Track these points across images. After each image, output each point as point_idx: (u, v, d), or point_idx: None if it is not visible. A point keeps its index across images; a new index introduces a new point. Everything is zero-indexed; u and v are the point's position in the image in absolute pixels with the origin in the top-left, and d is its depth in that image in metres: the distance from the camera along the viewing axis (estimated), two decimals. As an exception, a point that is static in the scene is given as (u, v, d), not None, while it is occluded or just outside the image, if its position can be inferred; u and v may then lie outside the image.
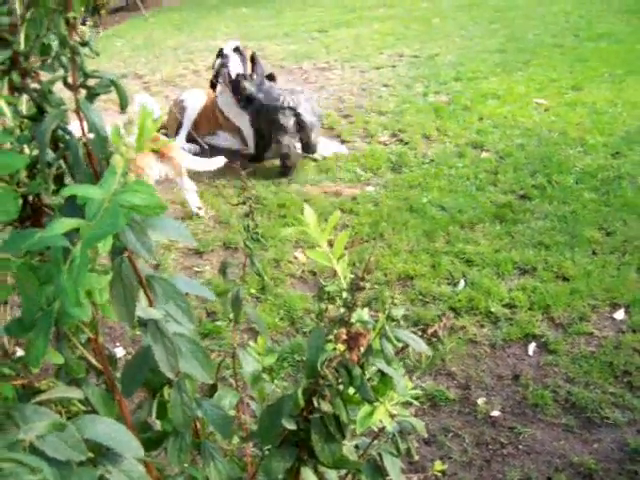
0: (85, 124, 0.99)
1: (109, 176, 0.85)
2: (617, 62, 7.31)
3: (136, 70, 8.70)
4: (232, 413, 1.62)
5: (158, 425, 1.45)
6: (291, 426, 1.24)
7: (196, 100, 5.83)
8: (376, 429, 1.43)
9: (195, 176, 5.19)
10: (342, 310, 1.16)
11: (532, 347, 3.13)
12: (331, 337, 1.16)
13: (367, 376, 1.21)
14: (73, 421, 1.02)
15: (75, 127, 1.05)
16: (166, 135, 5.74)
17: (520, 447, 2.62)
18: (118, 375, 1.31)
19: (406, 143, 5.52)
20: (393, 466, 1.41)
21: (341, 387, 1.21)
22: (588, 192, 4.45)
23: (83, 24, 1.04)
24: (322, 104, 6.66)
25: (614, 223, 4.04)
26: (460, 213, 4.26)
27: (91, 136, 0.98)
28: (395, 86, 7.18)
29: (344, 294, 1.17)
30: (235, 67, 5.47)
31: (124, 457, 1.08)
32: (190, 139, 5.73)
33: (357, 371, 1.15)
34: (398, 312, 1.18)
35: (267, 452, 1.40)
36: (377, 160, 5.17)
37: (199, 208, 4.57)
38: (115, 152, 0.86)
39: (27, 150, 1.10)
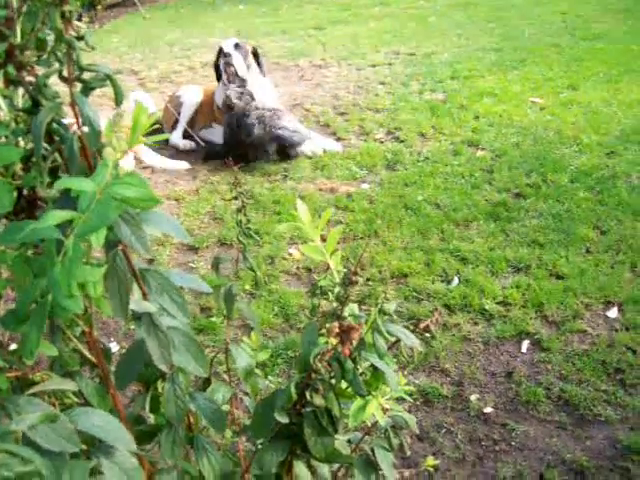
0: (80, 117, 0.99)
1: (101, 169, 0.86)
2: (613, 62, 7.32)
3: (132, 66, 8.69)
4: (225, 408, 1.63)
5: (152, 418, 1.46)
6: (284, 420, 1.25)
7: (193, 96, 5.84)
8: (369, 424, 1.44)
9: (191, 172, 5.20)
10: (335, 304, 1.17)
11: (525, 344, 3.14)
12: (324, 331, 1.17)
13: (359, 370, 1.22)
14: (66, 413, 1.03)
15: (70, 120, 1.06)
16: (162, 131, 5.73)
17: (513, 444, 2.63)
18: (112, 368, 1.32)
19: (402, 141, 5.52)
20: (385, 461, 1.42)
21: (333, 381, 1.22)
22: (583, 191, 4.46)
23: (79, 20, 1.04)
24: (318, 101, 6.68)
25: (608, 222, 4.05)
26: (455, 211, 4.27)
27: (85, 129, 0.98)
28: (391, 84, 7.18)
29: (337, 289, 1.18)
30: (240, 65, 5.47)
31: (117, 449, 1.08)
32: (186, 135, 5.74)
33: (349, 365, 1.16)
34: (390, 307, 1.19)
35: (260, 446, 1.41)
36: (372, 158, 5.18)
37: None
38: (107, 144, 0.86)
39: (22, 143, 1.10)
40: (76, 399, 1.24)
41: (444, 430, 2.70)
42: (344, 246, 3.87)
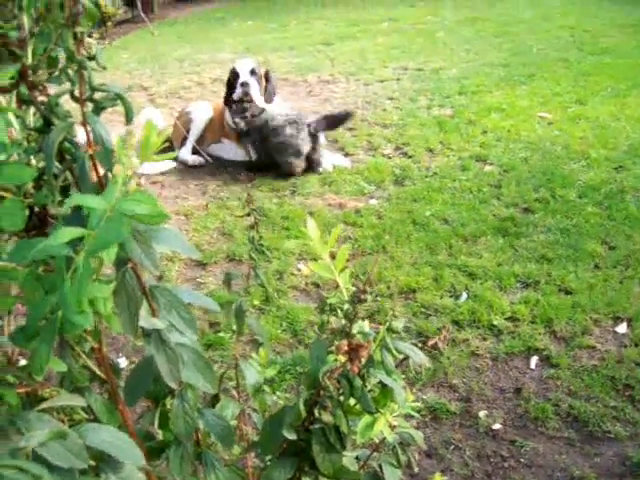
0: (91, 136, 1.00)
1: (111, 186, 0.87)
2: (621, 76, 7.34)
3: (142, 82, 8.74)
4: (234, 424, 1.63)
5: (160, 434, 1.46)
6: (292, 436, 1.26)
7: (203, 113, 5.87)
8: (377, 440, 1.44)
9: (200, 188, 5.23)
10: (343, 322, 1.18)
11: (534, 360, 3.14)
12: (332, 348, 1.17)
13: (368, 387, 1.22)
14: (75, 429, 1.04)
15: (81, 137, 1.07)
16: (171, 147, 5.76)
17: (521, 460, 2.62)
18: (121, 384, 1.33)
19: (410, 156, 5.54)
20: (393, 478, 1.42)
21: (342, 398, 1.22)
22: (591, 206, 4.46)
23: (89, 36, 1.06)
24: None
25: (617, 237, 4.04)
26: (463, 226, 4.27)
27: (97, 148, 1.00)
28: (399, 99, 7.20)
29: (346, 306, 1.19)
30: (256, 93, 5.52)
31: (126, 465, 1.09)
32: (195, 151, 5.76)
33: (358, 382, 1.16)
34: (399, 324, 1.19)
35: (268, 462, 1.41)
36: (381, 173, 5.19)
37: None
38: (118, 162, 0.87)
39: (34, 161, 1.11)
40: (85, 415, 1.25)
41: (452, 447, 2.70)
42: (353, 262, 3.87)
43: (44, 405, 1.06)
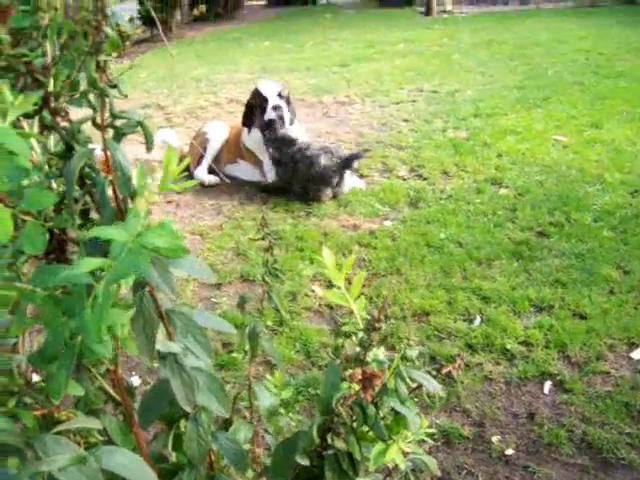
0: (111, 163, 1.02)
1: (133, 218, 0.88)
2: (636, 100, 7.33)
3: (159, 101, 8.81)
4: (247, 447, 1.64)
5: (173, 457, 1.47)
6: (305, 462, 1.26)
7: (219, 133, 5.91)
8: (389, 466, 1.44)
9: (215, 208, 5.25)
10: (358, 349, 1.18)
11: (548, 385, 3.12)
12: (346, 375, 1.18)
13: (381, 415, 1.23)
14: (91, 452, 1.05)
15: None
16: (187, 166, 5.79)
17: (534, 487, 2.61)
18: (135, 406, 1.33)
19: (425, 178, 5.55)
20: (406, 504, 1.42)
21: (355, 425, 1.23)
22: (606, 230, 4.44)
23: (108, 55, 1.07)
24: (342, 138, 6.72)
25: (632, 262, 4.03)
26: (477, 249, 4.27)
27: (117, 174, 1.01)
28: (414, 121, 7.23)
29: (360, 333, 1.19)
30: (287, 116, 5.56)
31: (140, 489, 1.09)
32: (211, 171, 5.80)
33: (371, 410, 1.16)
34: (413, 353, 1.20)
35: (281, 487, 1.42)
36: (395, 195, 5.20)
37: None
38: (139, 195, 0.88)
39: (54, 185, 1.13)
40: (100, 437, 1.26)
41: (465, 472, 2.68)
42: (367, 283, 3.87)
43: (61, 427, 1.07)
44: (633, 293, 3.73)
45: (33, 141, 1.07)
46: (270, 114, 5.48)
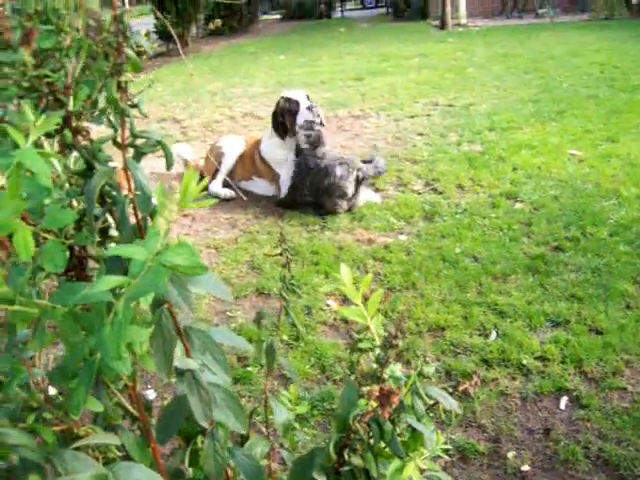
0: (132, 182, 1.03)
1: (152, 237, 0.89)
2: (652, 114, 7.32)
3: (175, 115, 8.87)
4: (263, 462, 1.64)
5: (190, 472, 1.48)
6: (322, 479, 1.26)
7: (234, 147, 5.94)
8: (406, 483, 1.44)
9: (230, 221, 5.27)
10: (375, 366, 1.19)
11: (564, 401, 3.11)
12: (364, 392, 1.18)
13: (397, 431, 1.23)
14: (109, 467, 1.06)
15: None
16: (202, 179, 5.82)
17: (550, 503, 2.59)
18: (152, 421, 1.34)
19: (440, 192, 5.55)
20: (422, 521, 1.42)
21: (372, 441, 1.23)
22: (622, 245, 4.43)
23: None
24: (356, 152, 6.73)
25: (648, 277, 4.01)
26: (493, 264, 4.26)
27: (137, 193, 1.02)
28: (429, 135, 7.24)
29: (377, 351, 1.20)
30: (322, 115, 5.62)
31: (157, 504, 1.10)
32: (225, 184, 5.82)
33: (388, 427, 1.17)
34: (429, 369, 1.20)
35: (297, 503, 1.42)
36: (410, 209, 5.21)
37: None
38: (159, 213, 0.90)
39: (74, 203, 1.14)
40: (118, 452, 1.27)
41: (481, 488, 2.67)
42: (381, 299, 3.87)
43: (80, 443, 1.08)
44: (650, 308, 3.71)
45: (54, 160, 1.09)
46: (307, 115, 5.50)
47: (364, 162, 5.51)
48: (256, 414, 2.16)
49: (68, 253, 1.11)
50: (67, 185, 1.11)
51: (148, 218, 1.07)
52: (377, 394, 1.13)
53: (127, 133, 1.03)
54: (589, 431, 2.90)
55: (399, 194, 5.58)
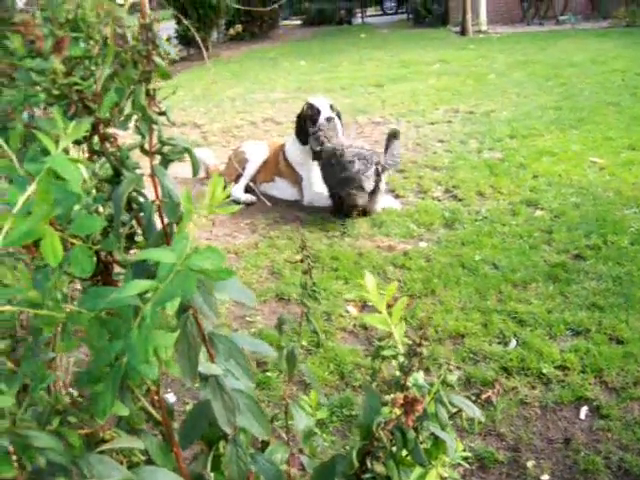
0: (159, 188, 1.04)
1: (181, 241, 0.90)
2: (674, 122, 7.27)
3: (195, 120, 8.91)
4: (283, 467, 1.64)
5: (212, 477, 1.48)
6: (344, 486, 1.26)
7: (258, 153, 5.98)
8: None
9: (250, 226, 5.29)
10: (398, 373, 1.19)
11: (584, 411, 3.09)
12: (387, 399, 1.18)
13: (420, 439, 1.23)
14: (134, 471, 1.07)
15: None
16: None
17: (570, 513, 2.58)
18: (174, 425, 1.35)
19: (460, 199, 5.54)
20: (443, 529, 1.42)
21: (394, 449, 1.23)
22: (644, 253, 4.40)
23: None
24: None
25: (670, 286, 3.98)
26: (513, 272, 4.25)
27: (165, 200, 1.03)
28: (450, 142, 7.23)
29: (401, 358, 1.20)
30: (340, 128, 5.64)
31: (180, 509, 1.11)
32: (247, 190, 5.85)
33: (411, 434, 1.17)
34: (453, 377, 1.20)
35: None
36: (430, 216, 5.20)
37: None
38: (186, 219, 0.90)
39: (101, 208, 1.16)
40: (142, 457, 1.28)
41: (500, 496, 2.66)
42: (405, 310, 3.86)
43: (105, 447, 1.09)
44: (671, 318, 3.68)
45: (82, 166, 1.10)
46: (323, 124, 5.53)
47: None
48: (276, 419, 2.16)
49: (95, 258, 1.12)
50: (94, 191, 1.12)
51: (173, 224, 1.08)
52: (401, 402, 1.13)
53: (154, 140, 1.04)
54: (609, 441, 2.88)
55: (419, 201, 5.58)
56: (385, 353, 1.23)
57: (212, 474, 1.46)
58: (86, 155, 1.14)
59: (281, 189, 5.87)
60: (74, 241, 1.04)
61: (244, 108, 9.60)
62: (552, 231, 4.81)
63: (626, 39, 13.93)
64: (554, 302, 3.88)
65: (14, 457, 0.99)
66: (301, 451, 1.87)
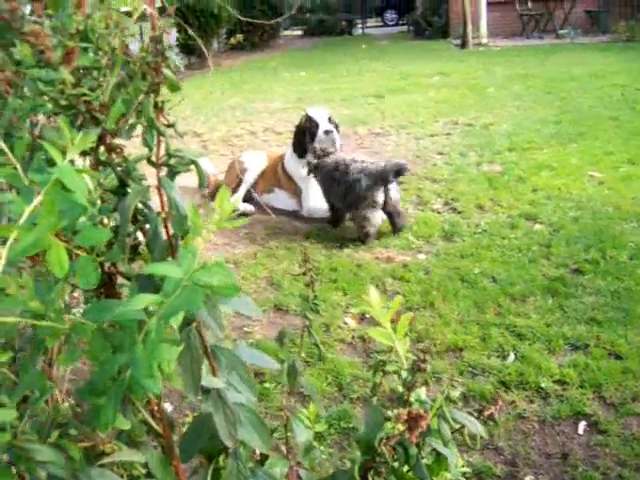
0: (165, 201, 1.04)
1: (188, 256, 0.90)
2: (673, 137, 7.29)
3: (195, 128, 8.92)
4: (282, 481, 1.64)
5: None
6: (344, 501, 1.26)
7: (257, 163, 5.98)
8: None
9: (249, 236, 5.28)
10: (401, 389, 1.18)
11: (582, 426, 3.08)
12: (390, 415, 1.18)
13: (422, 455, 1.22)
14: (134, 485, 1.06)
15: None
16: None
17: (568, 529, 2.57)
18: (174, 438, 1.34)
19: (459, 212, 5.54)
20: None
21: (396, 464, 1.22)
22: (642, 269, 4.40)
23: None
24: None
25: (669, 301, 3.98)
26: (511, 285, 4.24)
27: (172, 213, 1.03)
28: (449, 154, 7.24)
29: (404, 374, 1.19)
30: (338, 141, 5.63)
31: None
32: (246, 199, 5.85)
33: (413, 450, 1.16)
34: (455, 393, 1.20)
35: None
36: (430, 228, 5.20)
37: None
38: (195, 233, 0.90)
39: (105, 220, 1.15)
40: (142, 470, 1.27)
41: (498, 511, 2.65)
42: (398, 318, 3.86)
43: (106, 460, 1.08)
44: (670, 333, 3.68)
45: (87, 177, 1.10)
46: (321, 137, 5.52)
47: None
48: (275, 432, 2.15)
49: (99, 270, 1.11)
50: (99, 202, 1.12)
51: (179, 236, 1.07)
52: (405, 418, 1.13)
53: (161, 152, 1.04)
54: (607, 457, 2.87)
55: (418, 213, 5.58)
56: (388, 368, 1.23)
57: (212, 487, 1.46)
58: (89, 164, 1.13)
59: (280, 200, 5.87)
60: (79, 252, 1.03)
61: (244, 117, 9.61)
62: (551, 245, 4.81)
63: (626, 54, 13.98)
64: (553, 316, 3.87)
65: (14, 470, 0.98)
66: (299, 464, 1.85)
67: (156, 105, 0.99)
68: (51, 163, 0.98)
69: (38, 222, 0.92)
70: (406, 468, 1.27)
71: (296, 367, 1.59)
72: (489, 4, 19.27)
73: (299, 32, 27.86)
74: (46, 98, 1.03)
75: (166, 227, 1.06)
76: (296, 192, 5.75)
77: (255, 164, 5.98)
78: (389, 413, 1.18)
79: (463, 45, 17.76)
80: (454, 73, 12.62)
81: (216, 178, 6.23)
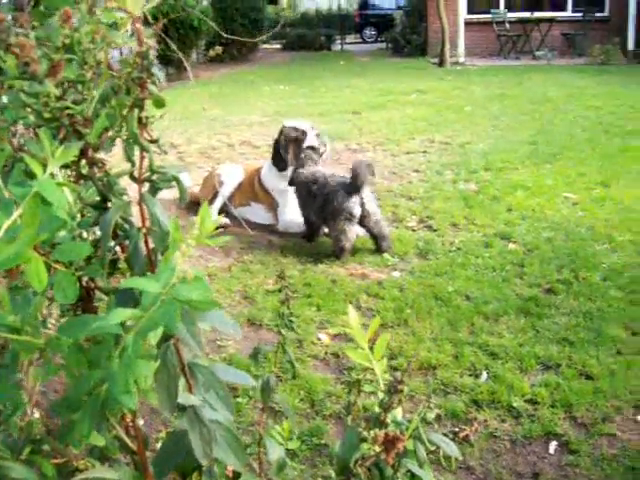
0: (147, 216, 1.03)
1: (166, 270, 0.89)
2: (647, 160, 7.38)
3: (172, 140, 8.89)
4: (255, 499, 1.62)
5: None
6: (318, 521, 1.25)
7: (233, 176, 5.97)
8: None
9: (224, 249, 5.26)
10: (377, 410, 1.18)
11: (553, 445, 3.09)
12: (366, 435, 1.17)
13: (398, 476, 1.22)
14: (107, 502, 1.05)
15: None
16: (198, 204, 5.83)
17: None
18: (148, 454, 1.33)
19: (434, 230, 5.57)
20: None
21: (371, 485, 1.22)
22: (614, 290, 4.43)
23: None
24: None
25: (640, 323, 4.02)
26: (485, 304, 4.26)
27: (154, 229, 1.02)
28: (425, 172, 7.28)
29: (380, 395, 1.19)
30: (324, 150, 5.62)
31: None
32: (221, 211, 5.83)
33: (389, 471, 1.16)
34: (431, 415, 1.20)
35: None
36: (404, 245, 5.22)
37: None
38: (173, 248, 0.90)
39: (85, 234, 1.14)
40: (115, 487, 1.25)
41: (468, 531, 2.65)
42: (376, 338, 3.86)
43: (79, 477, 1.07)
44: (641, 355, 3.71)
45: (67, 190, 1.09)
46: (314, 141, 5.51)
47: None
48: (246, 445, 2.14)
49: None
50: (79, 216, 1.11)
51: (158, 252, 1.07)
52: (382, 439, 1.13)
53: (144, 166, 1.04)
54: (578, 477, 2.88)
55: (394, 230, 5.59)
56: (365, 389, 1.23)
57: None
58: (69, 177, 1.13)
59: (256, 213, 5.86)
60: (57, 266, 1.03)
61: (222, 130, 9.60)
62: (524, 265, 4.85)
63: (601, 76, 14.17)
64: (525, 336, 3.89)
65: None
66: (271, 480, 1.84)
67: (140, 120, 0.98)
68: (31, 175, 0.97)
69: (18, 235, 0.91)
70: (381, 488, 1.26)
71: (271, 384, 1.58)
72: (467, 24, 19.51)
73: (278, 46, 27.95)
74: (29, 110, 1.02)
75: (146, 242, 1.06)
76: (272, 206, 5.75)
77: (232, 177, 5.97)
78: (365, 434, 1.18)
79: (441, 63, 17.92)
80: (432, 91, 12.71)
81: (192, 191, 6.21)
